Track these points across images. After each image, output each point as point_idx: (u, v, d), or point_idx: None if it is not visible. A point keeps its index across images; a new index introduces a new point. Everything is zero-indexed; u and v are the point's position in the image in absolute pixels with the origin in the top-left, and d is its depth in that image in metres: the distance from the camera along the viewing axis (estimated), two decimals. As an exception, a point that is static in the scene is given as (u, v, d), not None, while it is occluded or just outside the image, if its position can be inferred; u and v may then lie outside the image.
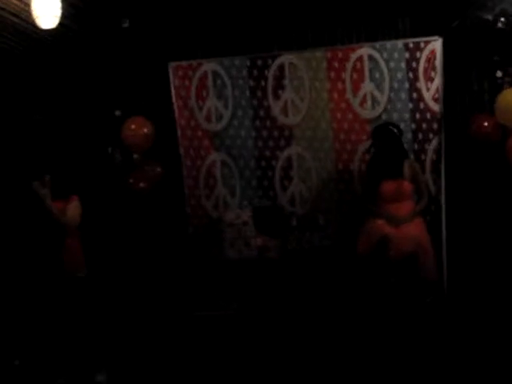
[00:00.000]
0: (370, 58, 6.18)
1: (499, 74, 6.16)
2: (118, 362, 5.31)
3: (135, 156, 6.46)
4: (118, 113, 6.47)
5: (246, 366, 5.13)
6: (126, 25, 6.37)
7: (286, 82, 6.33)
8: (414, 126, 6.17)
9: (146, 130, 6.31)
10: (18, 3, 5.39)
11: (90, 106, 6.56)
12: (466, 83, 6.33)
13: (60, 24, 5.68)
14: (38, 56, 6.33)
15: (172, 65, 6.43)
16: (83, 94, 6.55)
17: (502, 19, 6.03)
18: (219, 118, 6.46)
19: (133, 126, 6.30)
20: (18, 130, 6.34)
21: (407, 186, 5.77)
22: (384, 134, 5.80)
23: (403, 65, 6.13)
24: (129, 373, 5.19)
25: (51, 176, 5.29)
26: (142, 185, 6.38)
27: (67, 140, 6.45)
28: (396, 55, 6.13)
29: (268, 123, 6.40)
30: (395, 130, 5.80)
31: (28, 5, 5.15)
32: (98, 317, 5.57)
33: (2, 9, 5.37)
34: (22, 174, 5.81)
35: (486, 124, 6.03)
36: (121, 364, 5.29)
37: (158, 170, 6.48)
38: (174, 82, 6.44)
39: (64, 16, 5.56)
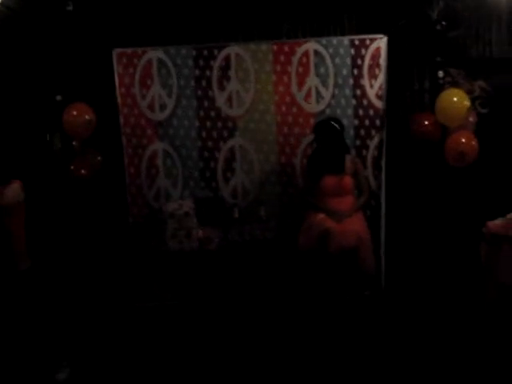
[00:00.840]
0: (316, 52, 6.22)
1: (441, 74, 6.32)
2: (62, 354, 5.19)
3: (74, 143, 6.32)
4: (59, 98, 6.29)
5: (183, 359, 5.10)
6: (70, 8, 6.19)
7: (232, 73, 6.29)
8: (356, 122, 6.25)
9: (87, 117, 6.13)
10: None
11: (30, 89, 6.37)
12: (408, 82, 6.48)
13: (1, 4, 5.55)
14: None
15: (116, 51, 6.28)
16: (24, 78, 6.37)
17: (443, 22, 6.19)
18: (163, 107, 6.36)
19: (74, 112, 6.12)
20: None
21: (348, 180, 5.84)
22: (326, 128, 5.84)
23: (348, 61, 6.20)
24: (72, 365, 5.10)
25: None
26: (82, 172, 6.23)
27: (5, 125, 6.29)
28: (342, 51, 6.20)
29: (212, 114, 6.35)
30: (337, 126, 5.86)
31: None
32: (40, 309, 5.48)
33: None
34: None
35: (426, 123, 6.18)
36: (65, 356, 5.18)
37: (98, 158, 6.37)
38: (117, 68, 6.29)
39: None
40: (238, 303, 5.93)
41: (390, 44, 6.09)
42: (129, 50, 6.30)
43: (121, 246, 6.33)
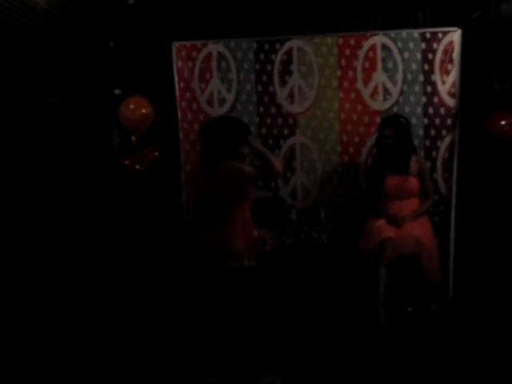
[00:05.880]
0: (384, 46, 5.89)
1: (520, 70, 5.83)
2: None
3: (133, 138, 6.19)
4: (117, 91, 6.18)
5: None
6: (131, 1, 6.10)
7: (294, 67, 6.02)
8: (426, 120, 5.88)
9: (144, 111, 5.97)
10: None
11: (89, 83, 6.26)
12: (485, 78, 5.99)
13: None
14: (40, 30, 6.08)
15: (176, 44, 6.12)
16: (83, 71, 6.25)
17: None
18: (222, 102, 6.15)
19: (131, 106, 5.97)
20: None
21: (413, 182, 5.48)
22: (393, 125, 5.49)
23: (418, 56, 5.85)
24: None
25: None
26: (137, 167, 6.07)
27: (63, 119, 6.23)
28: (411, 45, 5.85)
29: (272, 110, 6.08)
30: (405, 123, 5.50)
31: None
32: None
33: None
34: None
35: (503, 123, 5.67)
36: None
37: (156, 153, 6.19)
38: (176, 62, 6.13)
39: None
40: (290, 308, 5.64)
41: (464, 37, 5.72)
42: (188, 44, 6.13)
43: (174, 244, 6.15)
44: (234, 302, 4.27)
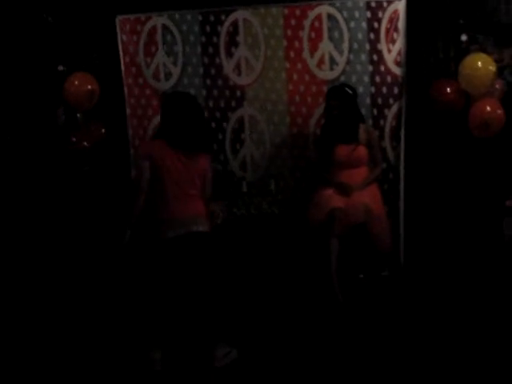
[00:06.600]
0: (329, 16, 5.85)
1: (464, 38, 5.87)
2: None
3: (79, 115, 6.11)
4: (61, 68, 6.09)
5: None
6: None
7: (240, 39, 5.99)
8: (373, 89, 5.87)
9: (89, 87, 5.93)
10: None
11: (31, 59, 6.15)
12: (430, 47, 6.05)
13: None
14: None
15: (119, 18, 6.07)
16: (24, 48, 6.15)
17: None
18: (168, 75, 6.12)
19: (76, 82, 5.92)
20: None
21: (362, 151, 5.51)
22: (337, 94, 5.51)
23: (364, 25, 5.82)
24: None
25: None
26: (85, 144, 6.03)
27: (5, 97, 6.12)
28: (357, 14, 5.82)
29: (219, 82, 6.07)
30: (350, 92, 5.52)
31: None
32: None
33: None
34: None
35: (448, 90, 5.75)
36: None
37: (102, 130, 6.15)
38: (121, 36, 6.09)
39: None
40: (240, 281, 5.62)
41: (409, 6, 5.69)
42: (132, 17, 6.08)
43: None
44: (194, 271, 4.14)
